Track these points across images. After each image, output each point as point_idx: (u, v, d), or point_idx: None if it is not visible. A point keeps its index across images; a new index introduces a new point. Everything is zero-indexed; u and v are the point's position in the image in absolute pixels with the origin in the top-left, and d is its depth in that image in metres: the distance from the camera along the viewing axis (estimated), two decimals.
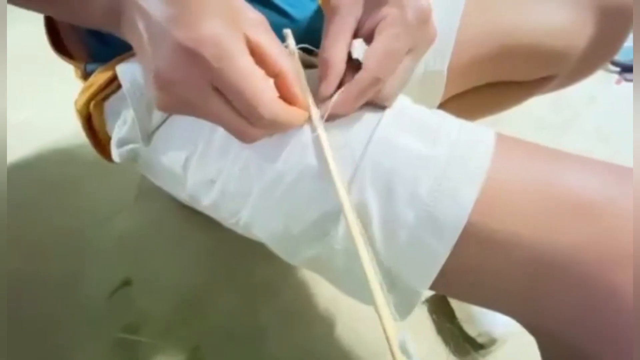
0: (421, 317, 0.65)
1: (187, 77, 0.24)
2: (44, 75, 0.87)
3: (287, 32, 0.36)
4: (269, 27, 0.28)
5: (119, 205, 0.74)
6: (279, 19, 0.40)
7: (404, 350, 0.24)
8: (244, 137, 0.28)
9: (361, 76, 0.29)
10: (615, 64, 1.16)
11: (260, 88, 0.25)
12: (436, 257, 0.28)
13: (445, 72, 0.45)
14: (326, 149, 0.29)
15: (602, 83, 1.13)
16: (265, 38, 0.26)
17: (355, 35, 0.31)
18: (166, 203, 0.74)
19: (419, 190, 0.28)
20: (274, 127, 0.28)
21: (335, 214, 0.30)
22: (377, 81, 0.29)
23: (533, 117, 1.00)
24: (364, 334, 0.62)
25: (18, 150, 0.81)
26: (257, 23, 0.27)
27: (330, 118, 0.31)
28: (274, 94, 0.27)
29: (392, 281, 0.31)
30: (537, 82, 0.52)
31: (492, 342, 0.60)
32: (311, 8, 0.42)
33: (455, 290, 0.34)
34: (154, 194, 0.75)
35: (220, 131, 0.34)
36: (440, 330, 0.64)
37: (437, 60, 0.45)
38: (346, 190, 0.29)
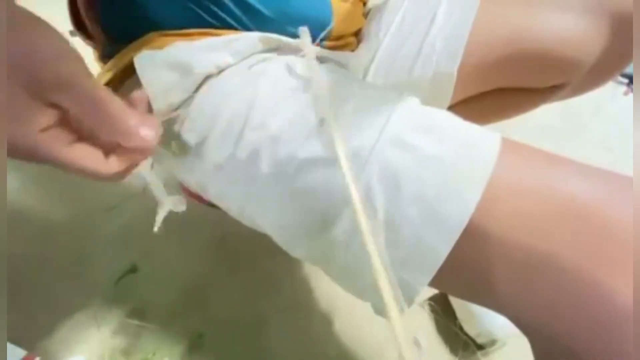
0: (421, 315, 0.66)
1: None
2: None
3: (304, 29, 0.36)
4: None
5: (127, 192, 0.75)
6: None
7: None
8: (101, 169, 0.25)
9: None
10: (624, 75, 1.17)
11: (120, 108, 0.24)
12: (437, 254, 0.29)
13: (455, 74, 0.45)
14: (339, 147, 0.30)
15: (610, 94, 1.14)
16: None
17: None
18: (174, 193, 0.75)
19: (424, 189, 0.29)
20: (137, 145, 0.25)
21: (338, 207, 0.31)
22: None
23: (539, 124, 1.01)
24: (363, 327, 0.63)
25: None
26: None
27: None
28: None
29: (390, 277, 0.31)
30: (548, 89, 0.52)
31: (492, 342, 0.60)
32: None
33: (451, 287, 0.35)
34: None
35: (232, 118, 0.35)
36: (440, 330, 0.65)
37: (448, 61, 0.45)
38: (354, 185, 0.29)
